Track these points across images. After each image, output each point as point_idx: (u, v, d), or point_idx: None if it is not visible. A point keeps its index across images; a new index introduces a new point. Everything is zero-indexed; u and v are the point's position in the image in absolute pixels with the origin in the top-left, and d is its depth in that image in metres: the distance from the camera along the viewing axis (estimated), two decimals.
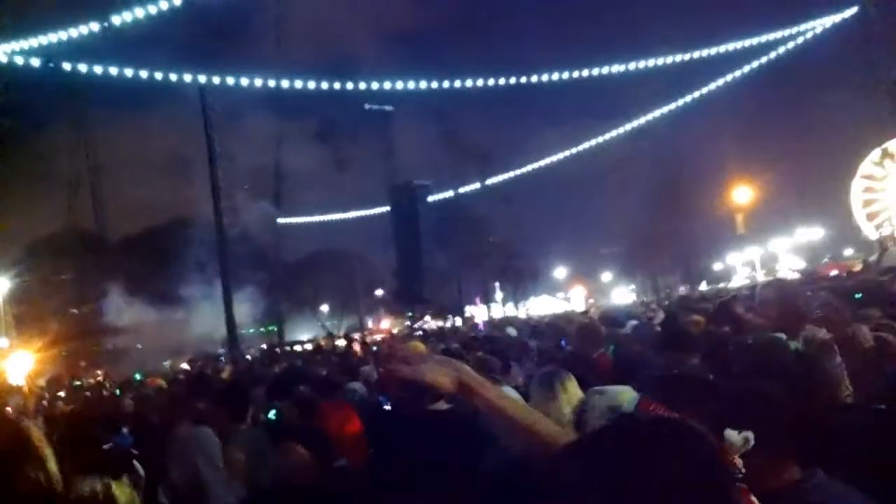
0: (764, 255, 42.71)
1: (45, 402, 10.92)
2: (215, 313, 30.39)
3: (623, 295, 49.82)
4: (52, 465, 3.64)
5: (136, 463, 4.73)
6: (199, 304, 33.13)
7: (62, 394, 13.21)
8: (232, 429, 4.91)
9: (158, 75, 30.35)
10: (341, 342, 20.16)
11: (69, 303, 32.55)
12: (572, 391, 3.51)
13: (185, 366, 18.27)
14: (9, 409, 8.38)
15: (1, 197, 29.03)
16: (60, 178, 33.23)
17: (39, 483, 3.51)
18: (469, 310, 46.00)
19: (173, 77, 30.63)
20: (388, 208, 47.72)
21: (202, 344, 29.78)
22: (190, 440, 5.05)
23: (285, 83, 32.96)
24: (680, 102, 39.90)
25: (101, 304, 33.22)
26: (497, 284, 51.17)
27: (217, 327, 30.37)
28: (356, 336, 25.94)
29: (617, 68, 36.00)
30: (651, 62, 35.75)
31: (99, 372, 23.39)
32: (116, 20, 27.97)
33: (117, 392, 11.26)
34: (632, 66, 35.80)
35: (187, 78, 30.81)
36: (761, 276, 33.17)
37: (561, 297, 52.43)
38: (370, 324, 43.57)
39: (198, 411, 5.43)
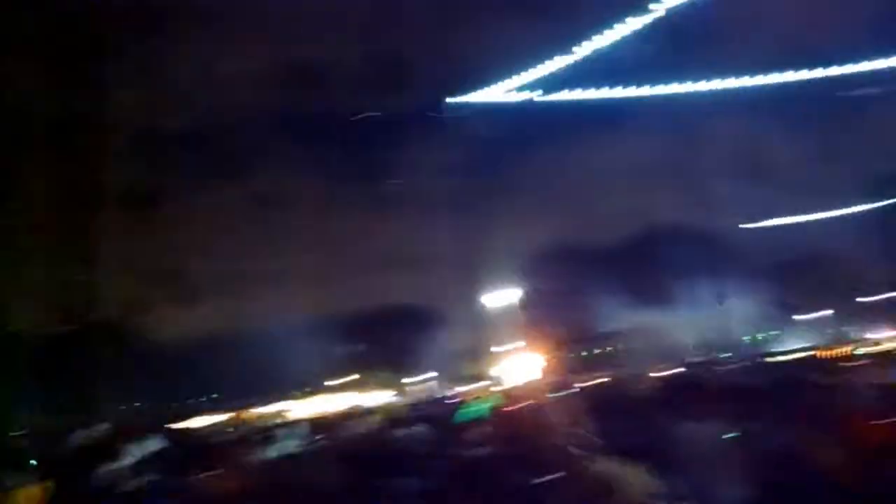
0: None
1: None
2: (707, 319, 30.59)
3: None
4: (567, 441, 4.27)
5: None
6: (690, 309, 33.59)
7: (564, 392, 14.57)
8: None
9: (626, 91, 31.86)
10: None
11: (564, 309, 35.38)
12: None
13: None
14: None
15: (502, 220, 33.30)
16: (551, 197, 36.54)
17: (555, 457, 4.13)
18: None
19: (640, 91, 31.89)
20: (876, 203, 42.12)
21: (685, 351, 30.07)
22: (686, 437, 5.31)
23: (755, 78, 31.86)
24: None
25: (595, 310, 35.57)
26: None
27: (711, 333, 30.54)
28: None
29: None
30: None
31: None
32: (587, 46, 30.04)
33: None
34: None
35: (657, 89, 31.75)
36: None
37: None
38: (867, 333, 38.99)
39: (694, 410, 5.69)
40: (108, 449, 8.02)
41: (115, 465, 7.40)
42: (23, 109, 27.29)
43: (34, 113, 27.65)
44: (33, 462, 7.88)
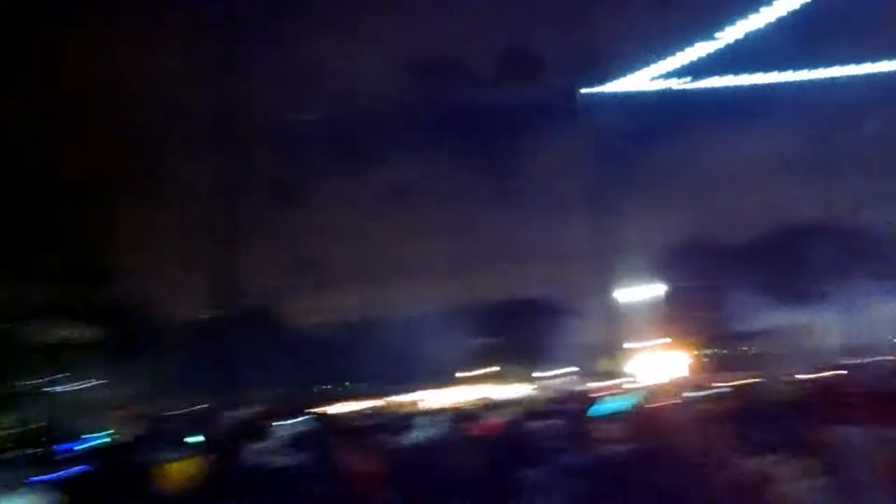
0: None
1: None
2: (856, 320, 29.01)
3: None
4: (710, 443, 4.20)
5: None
6: (837, 310, 31.95)
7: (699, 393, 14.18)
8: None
9: (769, 78, 30.77)
10: None
11: (703, 307, 34.46)
12: None
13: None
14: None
15: (637, 213, 32.64)
16: (688, 189, 35.58)
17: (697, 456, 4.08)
18: None
19: (783, 78, 30.79)
20: None
21: (832, 353, 28.68)
22: (836, 441, 5.10)
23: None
24: None
25: (735, 308, 34.36)
26: None
27: (860, 334, 28.97)
28: None
29: None
30: None
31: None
32: (730, 32, 29.14)
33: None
34: None
35: (801, 76, 30.63)
36: None
37: None
38: None
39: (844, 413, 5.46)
40: (256, 429, 8.47)
41: (263, 445, 7.80)
42: (170, 105, 29.16)
43: (181, 109, 29.44)
44: (188, 440, 8.46)
